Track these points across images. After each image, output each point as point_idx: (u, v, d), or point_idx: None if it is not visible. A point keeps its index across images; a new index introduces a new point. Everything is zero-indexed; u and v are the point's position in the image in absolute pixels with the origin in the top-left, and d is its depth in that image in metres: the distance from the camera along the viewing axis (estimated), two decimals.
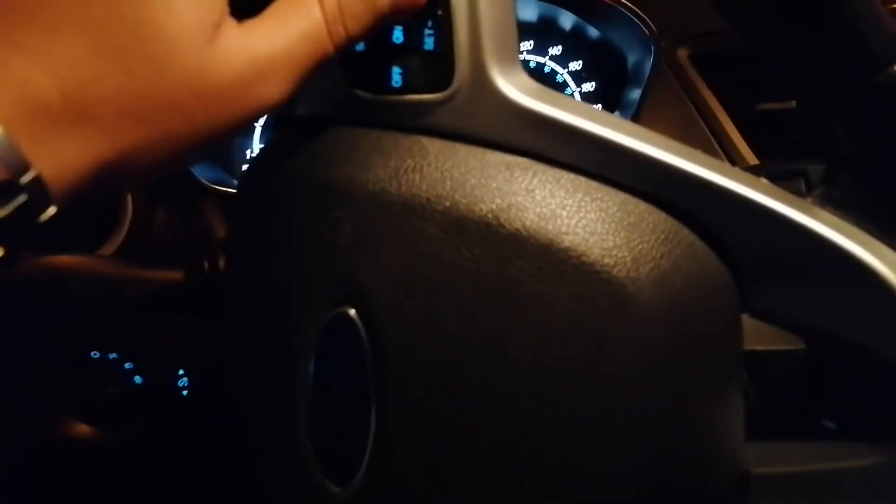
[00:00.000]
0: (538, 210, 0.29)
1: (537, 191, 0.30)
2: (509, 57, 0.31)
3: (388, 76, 0.32)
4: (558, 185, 0.30)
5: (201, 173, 0.61)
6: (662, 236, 0.30)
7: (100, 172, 0.26)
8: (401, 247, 0.30)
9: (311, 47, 0.29)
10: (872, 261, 0.30)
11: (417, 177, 0.30)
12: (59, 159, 0.25)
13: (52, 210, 0.25)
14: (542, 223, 0.29)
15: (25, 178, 0.24)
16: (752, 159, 0.52)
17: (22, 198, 0.24)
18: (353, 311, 0.31)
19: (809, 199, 0.32)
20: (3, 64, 0.24)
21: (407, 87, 0.31)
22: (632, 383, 0.29)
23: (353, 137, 0.32)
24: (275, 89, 0.28)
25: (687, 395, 0.30)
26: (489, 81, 0.30)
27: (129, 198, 0.59)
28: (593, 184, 0.30)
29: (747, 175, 0.30)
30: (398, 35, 0.31)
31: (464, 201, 0.30)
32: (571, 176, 0.30)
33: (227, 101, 0.27)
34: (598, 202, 0.30)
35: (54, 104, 0.24)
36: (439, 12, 0.30)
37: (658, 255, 0.30)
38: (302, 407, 0.33)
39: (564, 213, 0.29)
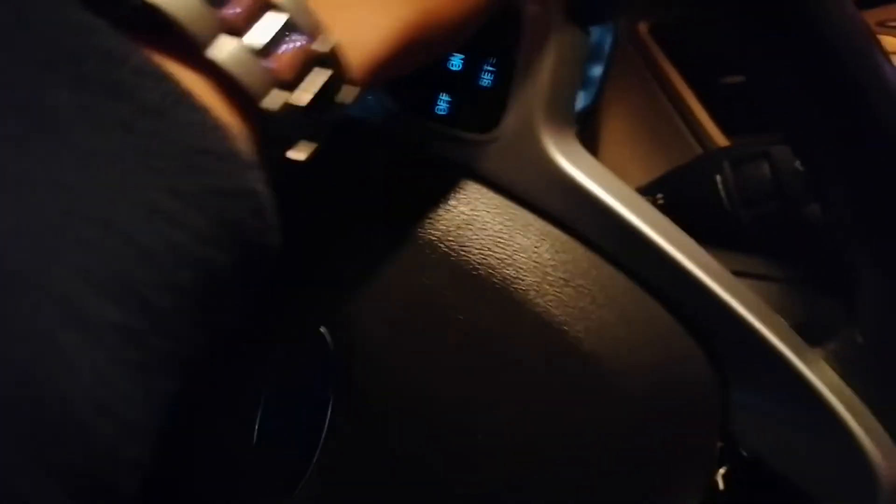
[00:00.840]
0: (550, 287, 0.29)
1: (553, 265, 0.29)
2: (563, 117, 0.29)
3: (434, 101, 0.30)
4: (575, 266, 0.29)
5: None
6: (666, 340, 0.30)
7: (400, 42, 0.22)
8: (401, 280, 0.29)
9: None
10: (862, 436, 0.30)
11: (436, 213, 0.29)
12: (357, 25, 0.21)
13: (354, 91, 0.21)
14: (553, 302, 0.29)
15: (323, 47, 0.19)
16: (719, 137, 0.50)
17: (324, 75, 0.20)
18: (324, 329, 0.30)
19: (820, 351, 0.32)
20: None
21: (450, 118, 0.30)
22: (602, 468, 0.29)
23: (379, 151, 0.31)
24: None
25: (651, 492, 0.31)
26: (537, 136, 0.29)
27: None
28: (609, 268, 0.30)
29: (771, 313, 0.30)
30: (456, 62, 0.29)
31: (476, 251, 0.29)
32: (590, 255, 0.30)
33: None
34: (609, 290, 0.29)
35: None
36: (506, 51, 0.29)
37: (658, 357, 0.30)
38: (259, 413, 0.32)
39: (574, 297, 0.29)
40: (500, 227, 0.29)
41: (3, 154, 0.14)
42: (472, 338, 0.28)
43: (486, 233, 0.29)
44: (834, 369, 0.32)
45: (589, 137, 0.52)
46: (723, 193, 0.37)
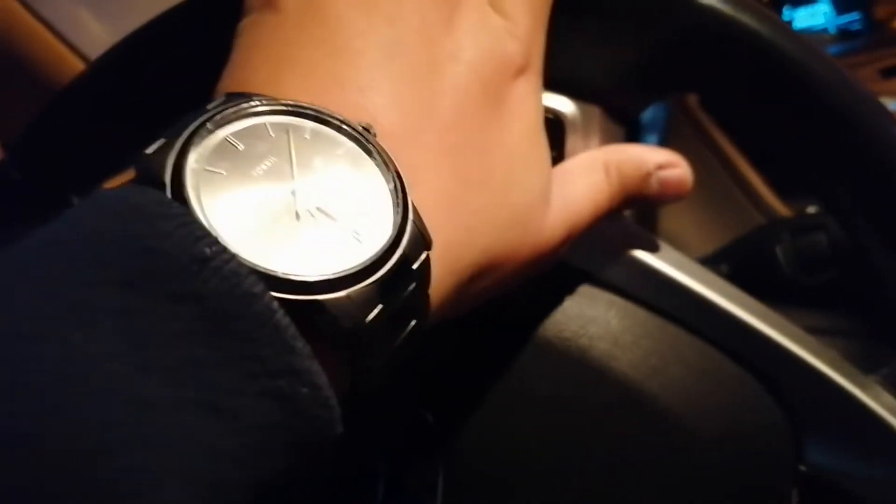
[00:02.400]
0: (621, 351, 0.32)
1: (622, 330, 0.32)
2: None
3: None
4: (641, 328, 0.32)
5: None
6: (735, 389, 0.32)
7: (446, 313, 0.25)
8: (490, 360, 0.32)
9: (596, 214, 0.29)
10: None
11: (515, 296, 0.31)
12: (436, 302, 0.23)
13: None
14: (626, 364, 0.31)
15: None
16: (774, 201, 0.53)
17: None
18: (430, 416, 0.33)
19: (875, 378, 0.34)
20: (437, 216, 0.23)
21: None
22: None
23: None
24: (564, 250, 0.29)
25: None
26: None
27: None
28: (671, 328, 0.32)
29: (822, 347, 0.33)
30: None
31: (552, 327, 0.32)
32: (653, 317, 0.32)
33: (546, 258, 0.27)
34: (675, 347, 0.32)
35: (462, 262, 0.24)
36: (553, 146, 0.31)
37: (728, 405, 0.32)
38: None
39: (644, 357, 0.32)
40: (571, 302, 0.32)
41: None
42: (556, 406, 0.31)
43: (560, 309, 0.32)
44: (890, 393, 0.33)
45: (648, 208, 0.55)
46: (783, 263, 0.40)
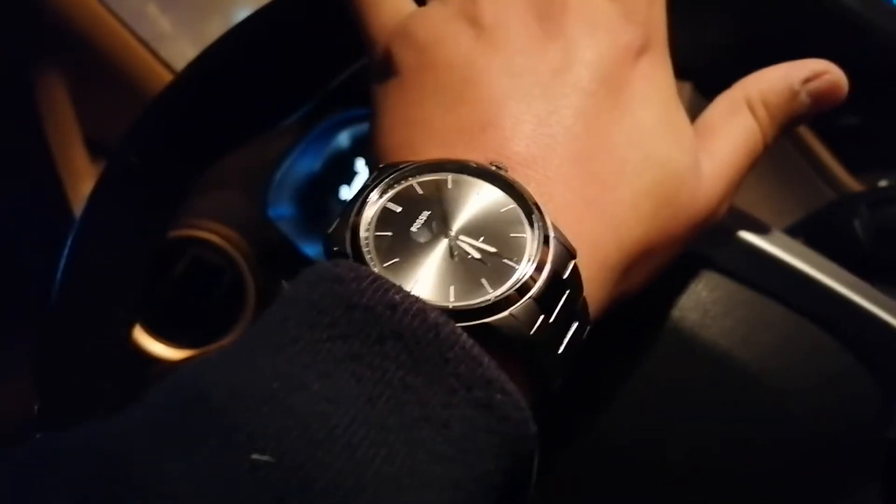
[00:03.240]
0: (712, 321, 0.33)
1: (712, 301, 0.33)
2: None
3: None
4: (730, 299, 0.33)
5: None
6: (825, 356, 0.33)
7: (608, 306, 0.26)
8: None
9: (753, 158, 0.28)
10: None
11: None
12: (595, 300, 0.25)
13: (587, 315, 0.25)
14: (716, 334, 0.32)
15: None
16: (848, 180, 0.52)
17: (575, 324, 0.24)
18: None
19: None
20: (580, 222, 0.24)
21: None
22: (774, 486, 0.32)
23: None
24: (728, 204, 0.29)
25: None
26: None
27: (252, 284, 0.63)
28: (761, 298, 0.33)
29: None
30: None
31: (643, 297, 0.32)
32: (742, 288, 0.33)
33: (705, 224, 0.27)
34: (765, 316, 0.33)
35: (612, 258, 0.25)
36: None
37: (817, 372, 0.32)
38: None
39: (734, 327, 0.32)
40: (662, 275, 0.33)
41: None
42: (648, 377, 0.32)
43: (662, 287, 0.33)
44: None
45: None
46: (862, 236, 0.40)
